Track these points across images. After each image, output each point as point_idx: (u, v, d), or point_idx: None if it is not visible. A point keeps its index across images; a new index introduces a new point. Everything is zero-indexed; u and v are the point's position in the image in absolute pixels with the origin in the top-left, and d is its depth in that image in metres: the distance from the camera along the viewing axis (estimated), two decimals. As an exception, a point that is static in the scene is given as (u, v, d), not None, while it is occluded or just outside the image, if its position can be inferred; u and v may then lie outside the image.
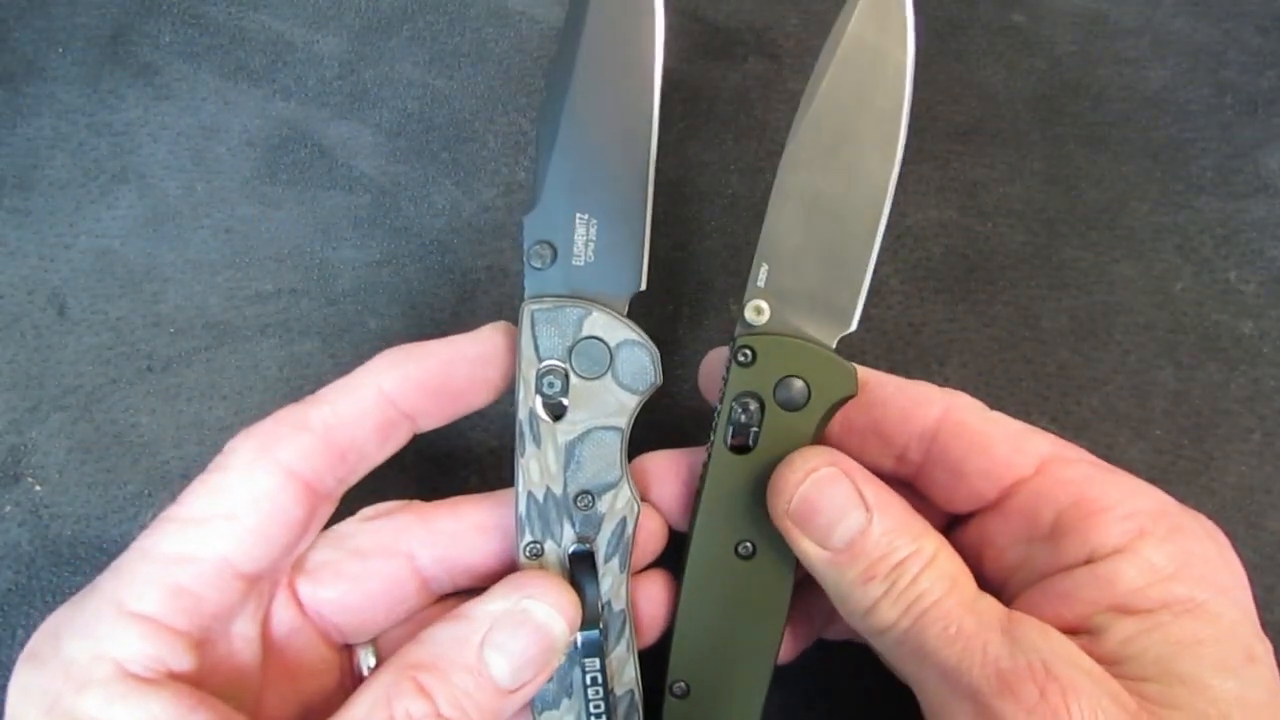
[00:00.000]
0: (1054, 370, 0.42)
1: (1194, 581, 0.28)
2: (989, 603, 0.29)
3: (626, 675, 0.33)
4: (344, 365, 0.41)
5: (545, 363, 0.31)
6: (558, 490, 0.32)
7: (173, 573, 0.28)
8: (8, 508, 0.39)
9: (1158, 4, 0.48)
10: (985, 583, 0.32)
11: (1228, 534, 0.30)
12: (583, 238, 0.31)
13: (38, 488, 0.40)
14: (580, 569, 0.32)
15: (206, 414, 0.41)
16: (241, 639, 0.30)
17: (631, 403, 0.31)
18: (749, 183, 0.44)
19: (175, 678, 0.28)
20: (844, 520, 0.29)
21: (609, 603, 0.32)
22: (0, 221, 0.43)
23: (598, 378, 0.31)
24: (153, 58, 0.46)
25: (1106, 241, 0.44)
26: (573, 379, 0.31)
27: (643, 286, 0.32)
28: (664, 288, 0.43)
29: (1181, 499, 0.30)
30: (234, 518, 0.29)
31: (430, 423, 0.33)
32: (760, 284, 0.32)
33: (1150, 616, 0.28)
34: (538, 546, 0.32)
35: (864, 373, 0.33)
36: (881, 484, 0.30)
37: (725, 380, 0.32)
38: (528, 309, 0.31)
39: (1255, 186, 0.45)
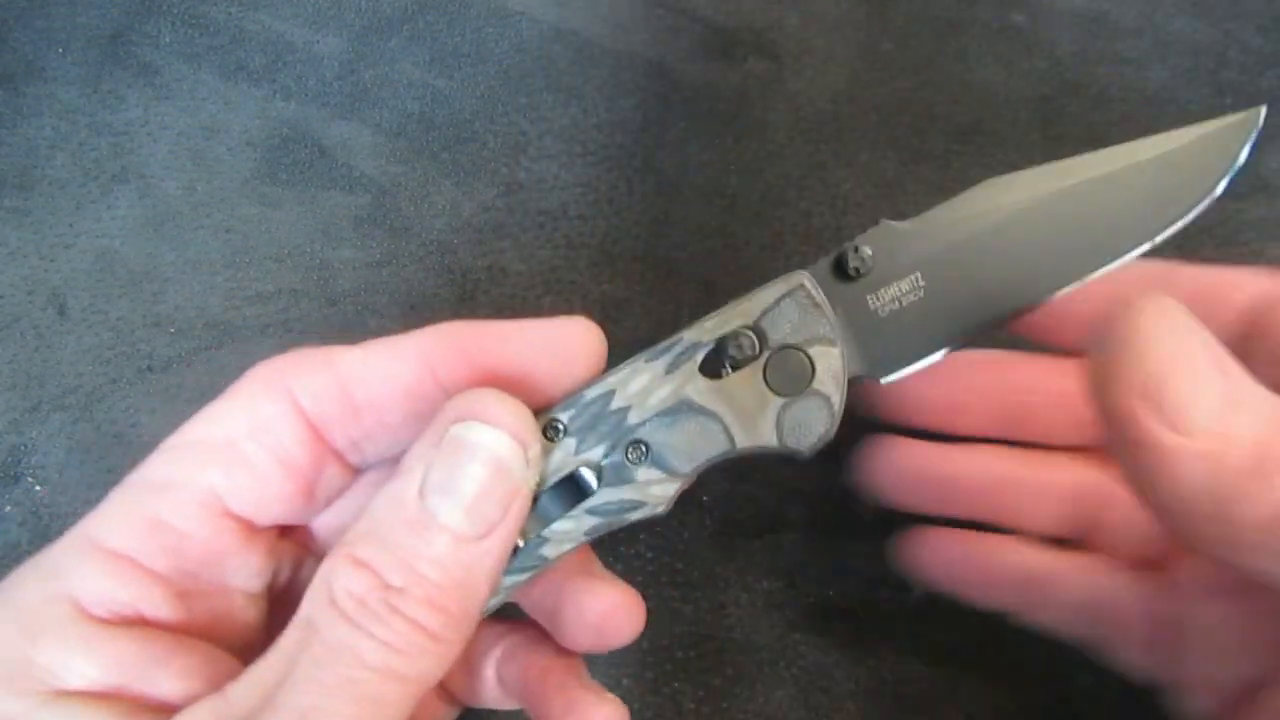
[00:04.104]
0: (1054, 370, 0.42)
1: None
2: None
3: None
4: (344, 365, 0.42)
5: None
6: (634, 420, 0.27)
7: (151, 503, 0.25)
8: (8, 508, 0.39)
9: (1158, 4, 0.48)
10: None
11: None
12: None
13: (38, 488, 0.40)
14: (564, 489, 0.28)
15: (206, 414, 0.41)
16: (242, 596, 0.27)
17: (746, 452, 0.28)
18: (749, 183, 0.44)
19: (149, 624, 0.24)
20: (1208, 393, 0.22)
21: (543, 540, 0.27)
22: (0, 221, 0.43)
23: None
24: (153, 58, 0.46)
25: (1106, 241, 0.44)
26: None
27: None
28: (664, 288, 0.43)
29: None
30: (229, 445, 0.25)
31: None
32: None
33: None
34: (560, 428, 0.27)
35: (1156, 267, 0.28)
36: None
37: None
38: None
39: (1255, 186, 0.45)
